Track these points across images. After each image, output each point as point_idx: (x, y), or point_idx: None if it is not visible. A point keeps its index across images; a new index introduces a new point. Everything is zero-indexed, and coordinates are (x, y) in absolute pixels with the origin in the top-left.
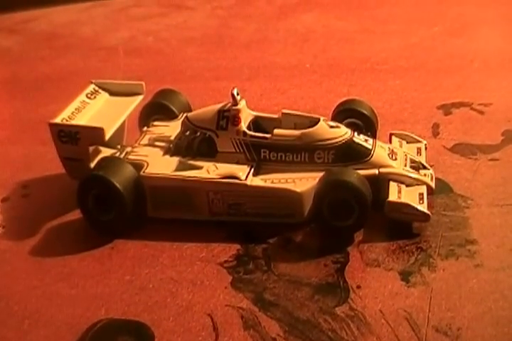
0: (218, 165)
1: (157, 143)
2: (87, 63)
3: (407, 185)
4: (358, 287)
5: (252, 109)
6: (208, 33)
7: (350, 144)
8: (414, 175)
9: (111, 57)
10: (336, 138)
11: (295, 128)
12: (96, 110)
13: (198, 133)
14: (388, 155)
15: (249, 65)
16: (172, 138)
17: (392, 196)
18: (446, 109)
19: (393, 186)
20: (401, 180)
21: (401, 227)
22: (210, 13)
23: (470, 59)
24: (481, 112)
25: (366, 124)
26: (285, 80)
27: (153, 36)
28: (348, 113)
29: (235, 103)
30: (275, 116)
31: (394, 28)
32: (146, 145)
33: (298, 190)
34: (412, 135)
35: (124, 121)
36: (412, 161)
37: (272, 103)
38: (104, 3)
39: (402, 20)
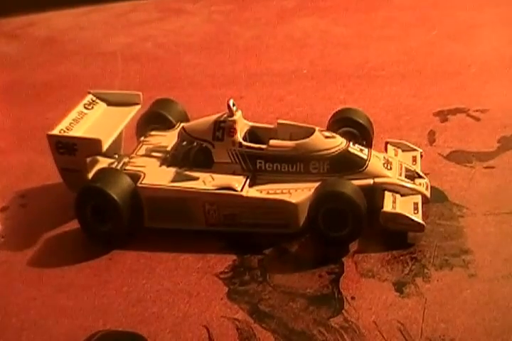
0: (214, 176)
1: (154, 154)
2: (86, 69)
3: (402, 195)
4: (353, 298)
5: (249, 116)
6: (206, 39)
7: (345, 154)
8: (409, 184)
9: (109, 64)
10: (331, 148)
11: (291, 138)
12: (93, 120)
13: (195, 144)
14: (383, 164)
15: (246, 72)
16: (169, 148)
17: (387, 206)
18: (443, 115)
19: (388, 196)
20: (396, 189)
21: (396, 237)
22: (208, 18)
23: (467, 64)
24: (478, 119)
25: (362, 133)
26: (282, 87)
27: (152, 42)
28: (344, 122)
29: (231, 114)
30: (271, 126)
31: (391, 32)
32: (143, 155)
33: (293, 200)
34: (408, 143)
35: (121, 131)
36: (407, 170)
37: (268, 110)
38: (102, 8)
39: (400, 25)
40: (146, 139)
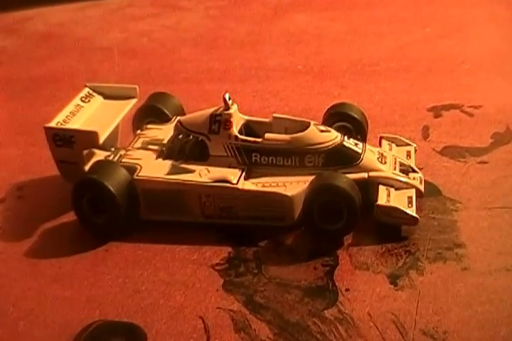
0: (210, 168)
1: (150, 147)
2: (82, 64)
3: (396, 189)
4: (347, 290)
5: (245, 111)
6: (202, 34)
7: (340, 148)
8: (403, 178)
9: (105, 58)
10: (326, 142)
11: (286, 132)
12: (90, 113)
13: (191, 137)
14: (378, 159)
15: (242, 67)
16: (165, 141)
17: (381, 200)
18: (437, 111)
19: (382, 190)
20: (390, 183)
21: (390, 230)
22: (204, 14)
23: (461, 60)
24: (471, 114)
25: (356, 128)
26: (277, 82)
27: (148, 37)
28: (339, 116)
29: (227, 107)
30: (266, 120)
31: (385, 29)
32: (139, 148)
33: (288, 193)
34: (402, 138)
35: (118, 124)
36: (402, 164)
37: (264, 105)
38: (98, 4)
39: (394, 21)
40: (143, 132)
